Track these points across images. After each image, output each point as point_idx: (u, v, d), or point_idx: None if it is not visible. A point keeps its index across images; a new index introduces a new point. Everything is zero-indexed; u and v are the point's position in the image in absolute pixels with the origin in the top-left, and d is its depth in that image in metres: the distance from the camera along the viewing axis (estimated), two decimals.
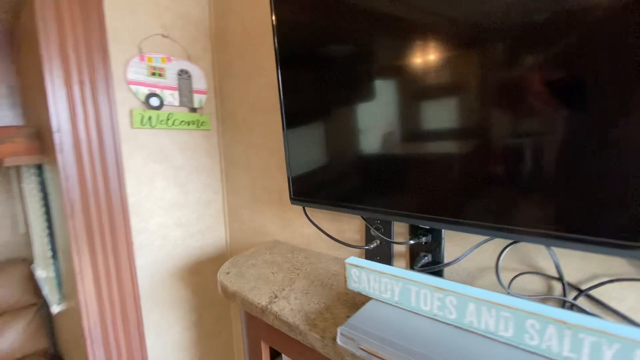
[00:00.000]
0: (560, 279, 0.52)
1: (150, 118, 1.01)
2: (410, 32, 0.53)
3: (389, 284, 0.52)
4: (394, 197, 0.63)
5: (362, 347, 0.45)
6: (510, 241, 0.56)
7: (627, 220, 0.38)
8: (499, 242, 0.58)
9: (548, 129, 0.42)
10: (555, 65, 0.41)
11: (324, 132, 0.72)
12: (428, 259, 0.67)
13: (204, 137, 1.18)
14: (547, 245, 0.52)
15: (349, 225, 0.83)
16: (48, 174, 1.00)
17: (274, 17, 0.74)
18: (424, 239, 0.67)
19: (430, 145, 0.55)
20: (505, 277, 0.58)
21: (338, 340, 0.48)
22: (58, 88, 0.80)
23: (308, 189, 0.79)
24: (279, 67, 0.76)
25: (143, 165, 1.02)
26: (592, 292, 0.50)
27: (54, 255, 1.09)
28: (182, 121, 1.10)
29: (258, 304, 0.63)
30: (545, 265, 0.54)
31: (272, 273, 0.77)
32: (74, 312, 0.98)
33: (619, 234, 0.39)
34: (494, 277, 0.60)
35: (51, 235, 1.07)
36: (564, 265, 0.52)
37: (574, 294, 0.52)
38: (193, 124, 1.13)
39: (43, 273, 1.19)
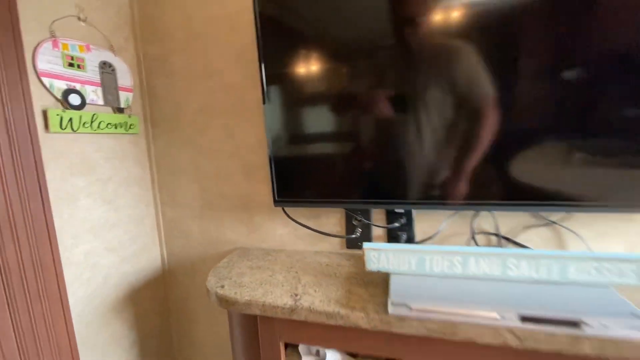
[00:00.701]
0: (497, 234, 0.78)
1: (71, 120, 0.81)
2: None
3: (406, 258, 0.65)
4: (375, 188, 0.77)
5: (414, 307, 0.56)
6: (473, 211, 0.78)
7: (546, 188, 0.64)
8: (455, 218, 0.80)
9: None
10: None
11: (312, 140, 0.79)
12: (405, 237, 0.84)
13: (132, 143, 1.01)
14: (493, 210, 0.76)
15: (328, 220, 0.91)
16: None
17: (259, 24, 0.75)
18: (402, 220, 0.83)
19: (404, 145, 0.71)
20: (462, 240, 0.81)
21: (390, 311, 0.57)
22: None
23: (293, 191, 0.83)
24: (263, 64, 0.77)
25: (62, 180, 0.80)
26: (514, 238, 0.77)
27: None
28: (109, 124, 0.91)
29: (284, 305, 0.64)
30: (485, 227, 0.79)
31: (270, 276, 0.78)
32: None
33: (529, 200, 0.65)
34: (457, 241, 0.81)
35: None
36: (494, 224, 0.78)
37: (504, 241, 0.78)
38: (121, 126, 0.95)
39: None
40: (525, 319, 0.52)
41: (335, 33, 0.72)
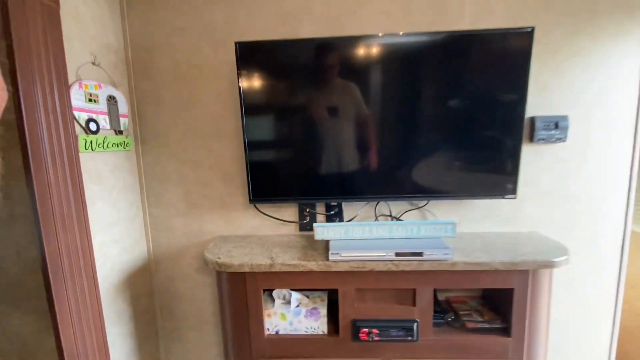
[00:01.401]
0: (390, 215, 1.28)
1: (91, 142, 1.06)
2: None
3: (338, 230, 1.10)
4: (317, 189, 1.21)
5: (343, 254, 1.01)
6: (375, 202, 1.27)
7: (415, 187, 1.16)
8: (367, 207, 1.28)
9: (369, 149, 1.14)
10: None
11: (278, 146, 1.19)
12: (337, 219, 1.30)
13: (127, 157, 1.27)
14: (388, 201, 1.26)
15: (286, 212, 1.32)
16: None
17: (240, 83, 1.12)
18: (335, 209, 1.29)
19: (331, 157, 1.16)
20: (371, 219, 1.29)
21: (330, 258, 1.01)
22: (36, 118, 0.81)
23: (264, 191, 1.22)
24: (242, 104, 1.15)
25: (86, 188, 1.05)
26: (398, 217, 1.29)
27: None
28: (114, 143, 1.17)
29: (265, 263, 1.03)
30: (383, 211, 1.29)
31: (251, 250, 1.15)
32: None
33: (412, 194, 1.17)
34: (367, 220, 1.29)
35: None
36: (388, 209, 1.28)
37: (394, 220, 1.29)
38: (120, 145, 1.21)
39: None
40: (397, 254, 1.01)
41: (287, 93, 1.14)
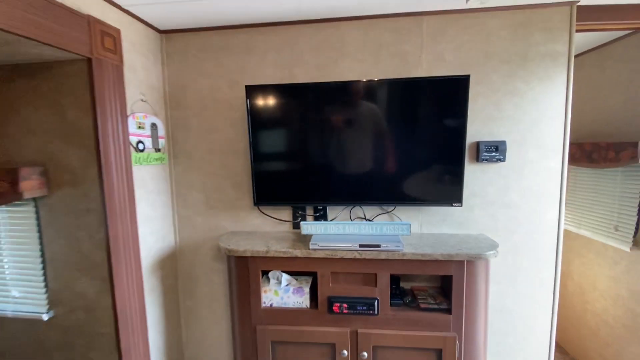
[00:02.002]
0: (364, 217, 1.61)
1: (139, 158, 1.45)
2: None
3: (320, 227, 1.44)
4: (306, 196, 1.55)
5: (320, 245, 1.34)
6: (351, 207, 1.60)
7: (384, 195, 1.49)
8: (345, 210, 1.61)
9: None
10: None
11: (278, 162, 1.55)
12: (322, 219, 1.63)
13: (162, 169, 1.66)
14: (362, 206, 1.59)
15: (282, 213, 1.67)
16: (50, 203, 1.24)
17: (248, 103, 1.50)
18: (321, 212, 1.63)
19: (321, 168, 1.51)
20: (347, 220, 1.62)
21: (310, 247, 1.35)
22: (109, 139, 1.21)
23: (266, 196, 1.57)
24: (250, 130, 1.52)
25: (135, 191, 1.43)
26: (373, 220, 1.61)
27: (44, 272, 1.27)
28: (154, 158, 1.57)
29: (262, 249, 1.38)
30: (359, 214, 1.62)
31: (252, 241, 1.50)
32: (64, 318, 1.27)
33: (381, 200, 1.50)
34: (345, 220, 1.62)
35: (42, 255, 1.26)
36: (365, 213, 1.61)
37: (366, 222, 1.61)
38: (158, 160, 1.61)
39: (16, 291, 1.27)
40: (361, 245, 1.33)
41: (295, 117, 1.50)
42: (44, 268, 1.29)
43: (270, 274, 1.49)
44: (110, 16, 1.30)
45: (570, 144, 1.90)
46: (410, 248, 1.35)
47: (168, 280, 1.71)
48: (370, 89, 1.45)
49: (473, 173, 1.56)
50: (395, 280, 1.55)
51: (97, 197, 1.24)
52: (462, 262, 1.33)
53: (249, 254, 1.40)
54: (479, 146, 1.52)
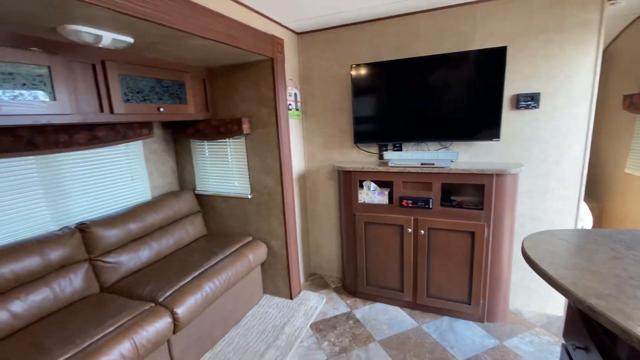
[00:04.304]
0: (428, 150, 2.38)
1: (291, 114, 2.51)
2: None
3: (396, 154, 2.28)
4: (388, 136, 2.39)
5: (395, 163, 2.20)
6: (419, 143, 2.38)
7: (443, 134, 2.24)
8: (416, 146, 2.40)
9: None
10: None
11: (369, 115, 2.42)
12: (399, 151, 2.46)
13: (299, 122, 2.71)
14: (427, 142, 2.36)
15: (371, 149, 2.56)
16: (252, 137, 2.40)
17: (352, 73, 2.39)
18: (397, 148, 2.46)
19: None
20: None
21: (390, 164, 2.22)
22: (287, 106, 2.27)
23: (361, 137, 2.48)
24: (352, 94, 2.42)
25: (291, 136, 2.51)
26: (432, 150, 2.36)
27: (249, 175, 2.48)
28: (296, 115, 2.62)
29: (358, 167, 2.31)
30: (425, 149, 2.39)
31: (353, 164, 2.44)
32: (259, 199, 2.44)
33: (440, 138, 2.25)
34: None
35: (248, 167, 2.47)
36: (429, 148, 2.37)
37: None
38: (297, 115, 2.66)
39: (236, 182, 2.54)
40: (422, 163, 2.14)
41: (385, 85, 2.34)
42: (248, 171, 2.49)
43: (364, 183, 2.43)
44: (278, 31, 2.32)
45: (634, 94, 2.25)
46: (455, 166, 2.09)
47: (301, 190, 2.82)
48: (437, 60, 2.16)
49: (512, 117, 2.15)
50: (447, 192, 2.30)
51: (274, 134, 2.33)
52: (491, 175, 2.01)
53: (351, 169, 2.35)
54: (518, 97, 2.10)
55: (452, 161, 2.15)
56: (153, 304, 1.72)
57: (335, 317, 2.37)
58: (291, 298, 2.58)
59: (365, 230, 2.42)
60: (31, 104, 1.36)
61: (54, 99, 1.45)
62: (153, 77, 1.97)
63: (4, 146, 1.56)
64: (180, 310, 1.72)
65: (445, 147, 2.34)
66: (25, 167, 1.76)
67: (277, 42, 2.22)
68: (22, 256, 1.57)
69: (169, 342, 1.76)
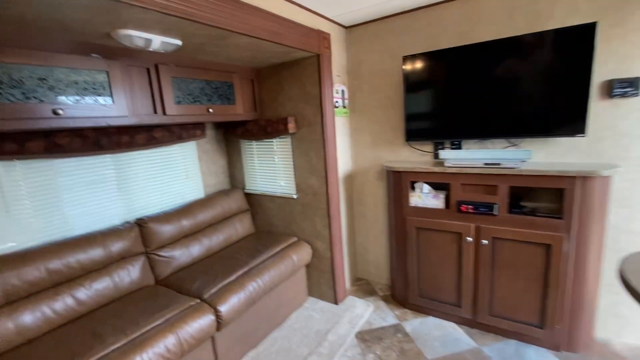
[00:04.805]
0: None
1: (336, 112, 2.41)
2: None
3: (453, 153, 2.04)
4: (445, 133, 2.15)
5: (453, 163, 1.97)
6: (482, 140, 2.10)
7: (511, 129, 1.95)
8: (476, 145, 2.13)
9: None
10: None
11: (423, 109, 2.21)
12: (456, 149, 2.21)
13: (346, 119, 2.60)
14: (492, 139, 2.08)
15: (425, 147, 2.34)
16: (297, 136, 2.36)
17: (404, 68, 2.20)
18: (455, 146, 2.20)
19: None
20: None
21: (445, 164, 1.99)
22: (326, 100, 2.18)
23: (414, 135, 2.27)
24: (404, 87, 2.23)
25: (337, 134, 2.41)
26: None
27: (295, 176, 2.45)
28: (343, 112, 2.51)
29: (409, 167, 2.11)
30: (489, 147, 2.10)
31: (404, 163, 2.25)
32: (304, 199, 2.38)
33: (508, 134, 1.96)
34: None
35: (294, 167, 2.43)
36: (494, 147, 2.08)
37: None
38: (344, 113, 2.54)
39: (282, 182, 2.54)
40: (485, 164, 1.87)
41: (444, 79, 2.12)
42: (294, 170, 2.45)
43: (416, 185, 2.22)
44: (324, 26, 2.23)
45: None
46: (527, 166, 1.79)
47: (348, 191, 2.70)
48: (506, 44, 1.87)
49: (602, 108, 1.77)
50: (517, 197, 1.99)
51: (320, 133, 2.25)
52: (574, 177, 1.67)
53: (402, 170, 2.16)
54: (612, 84, 1.72)
55: (523, 161, 1.85)
56: (199, 300, 1.75)
57: (383, 328, 2.21)
58: (336, 303, 2.48)
59: (417, 236, 2.22)
60: (92, 107, 1.46)
61: (112, 102, 1.55)
62: (203, 79, 2.02)
63: (75, 146, 1.72)
64: (223, 309, 1.73)
65: (514, 145, 2.03)
66: (100, 165, 1.93)
67: (323, 37, 2.13)
68: (88, 247, 1.71)
69: (213, 338, 1.78)
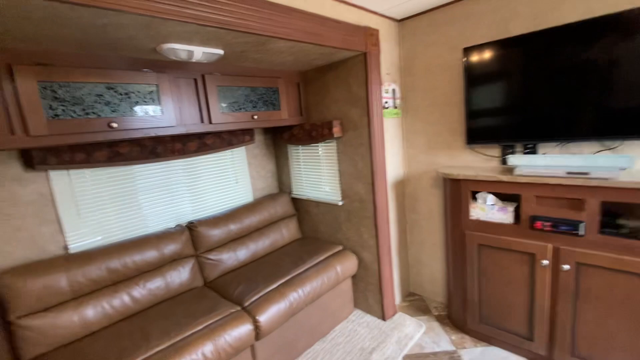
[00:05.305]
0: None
1: (386, 113, 2.23)
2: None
3: (526, 158, 1.71)
4: (515, 135, 1.82)
5: (524, 171, 1.65)
6: (564, 143, 1.73)
7: (605, 129, 1.57)
8: (557, 148, 1.76)
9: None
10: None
11: (489, 107, 1.91)
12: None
13: (397, 121, 2.40)
14: (578, 142, 1.70)
15: (489, 151, 2.03)
16: (343, 140, 2.24)
17: (464, 60, 1.93)
18: (529, 150, 1.86)
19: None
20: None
21: (516, 172, 1.68)
22: (373, 102, 2.03)
23: (477, 137, 1.98)
24: (465, 83, 1.95)
25: (386, 137, 2.24)
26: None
27: (340, 181, 2.35)
28: (393, 113, 2.31)
29: (471, 174, 1.84)
30: (574, 150, 1.72)
31: (464, 170, 1.97)
32: (350, 205, 2.24)
33: (602, 135, 1.58)
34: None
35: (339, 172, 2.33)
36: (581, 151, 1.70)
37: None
38: (395, 114, 2.34)
39: (327, 188, 2.47)
40: (568, 172, 1.53)
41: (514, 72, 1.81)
42: (339, 176, 2.34)
43: (478, 195, 1.94)
44: (373, 21, 2.07)
45: None
46: (628, 177, 1.41)
47: (398, 199, 2.49)
48: (598, 26, 1.51)
49: None
50: (611, 215, 1.59)
51: (366, 136, 2.10)
52: None
53: (461, 177, 1.90)
54: None
55: (622, 169, 1.46)
56: (239, 308, 1.76)
57: (435, 353, 1.98)
58: (384, 319, 2.31)
59: (479, 254, 1.93)
60: (142, 119, 1.54)
61: (161, 112, 1.63)
62: (247, 86, 2.03)
63: (135, 155, 1.85)
64: (262, 318, 1.71)
65: (610, 149, 1.62)
66: (170, 170, 2.09)
67: (370, 34, 1.98)
68: (143, 249, 1.83)
69: (253, 347, 1.77)
